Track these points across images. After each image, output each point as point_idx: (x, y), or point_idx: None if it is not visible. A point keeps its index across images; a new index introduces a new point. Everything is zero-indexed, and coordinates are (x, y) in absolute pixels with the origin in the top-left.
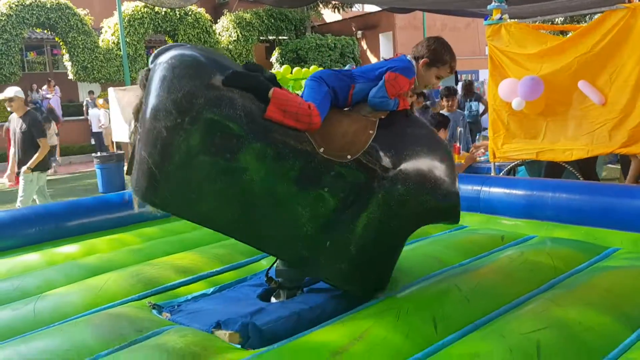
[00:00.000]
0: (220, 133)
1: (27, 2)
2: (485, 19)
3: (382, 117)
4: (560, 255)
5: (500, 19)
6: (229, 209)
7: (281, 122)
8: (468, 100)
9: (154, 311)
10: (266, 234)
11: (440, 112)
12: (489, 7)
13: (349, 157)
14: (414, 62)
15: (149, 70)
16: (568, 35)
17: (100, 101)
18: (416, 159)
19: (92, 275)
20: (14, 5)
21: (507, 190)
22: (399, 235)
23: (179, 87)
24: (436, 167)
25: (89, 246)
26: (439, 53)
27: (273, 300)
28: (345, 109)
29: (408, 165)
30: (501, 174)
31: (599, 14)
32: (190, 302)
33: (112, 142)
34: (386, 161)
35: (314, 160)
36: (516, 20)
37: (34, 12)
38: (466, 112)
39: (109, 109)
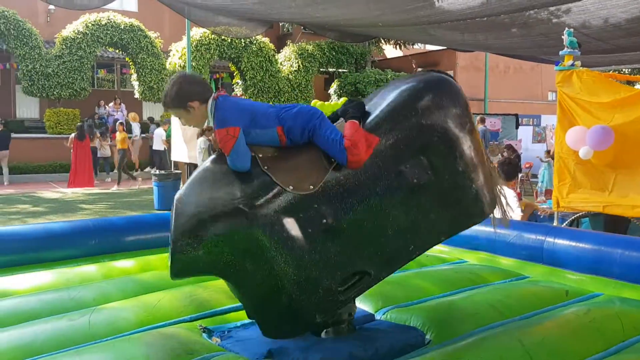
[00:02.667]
0: None
1: (103, 22)
2: (556, 64)
3: None
4: (630, 317)
5: (572, 65)
6: None
7: None
8: None
9: (204, 335)
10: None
11: None
12: (561, 52)
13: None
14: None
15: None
16: None
17: (132, 114)
18: None
19: (146, 292)
20: (90, 25)
21: (573, 243)
22: None
23: None
24: None
25: (144, 262)
26: None
27: (323, 335)
28: None
29: None
30: (564, 224)
31: None
32: (240, 329)
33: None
34: None
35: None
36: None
37: (108, 32)
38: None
39: (139, 122)
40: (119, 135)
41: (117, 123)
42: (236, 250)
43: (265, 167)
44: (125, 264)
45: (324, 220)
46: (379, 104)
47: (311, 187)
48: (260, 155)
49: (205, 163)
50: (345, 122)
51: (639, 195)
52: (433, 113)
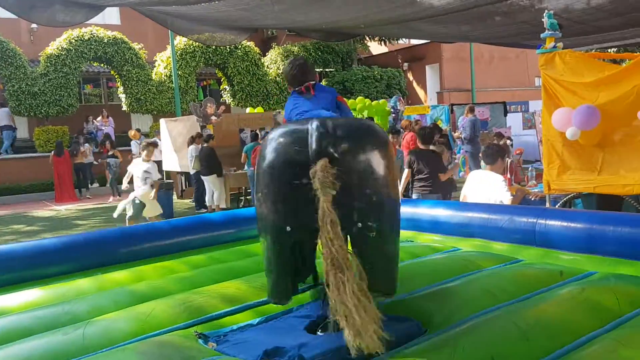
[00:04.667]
0: None
1: (86, 37)
2: (538, 47)
3: None
4: (626, 293)
5: (554, 47)
6: None
7: None
8: None
9: (200, 340)
10: None
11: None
12: (542, 35)
13: None
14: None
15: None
16: (626, 64)
17: (132, 132)
18: None
19: (140, 302)
20: (73, 40)
21: (565, 223)
22: None
23: None
24: None
25: (137, 273)
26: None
27: (320, 332)
28: None
29: None
30: (557, 206)
31: None
32: (236, 332)
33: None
34: None
35: None
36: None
37: (92, 47)
38: None
39: (139, 139)
40: None
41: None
42: None
43: None
44: (118, 275)
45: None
46: None
47: None
48: None
49: None
50: None
51: (629, 173)
52: None
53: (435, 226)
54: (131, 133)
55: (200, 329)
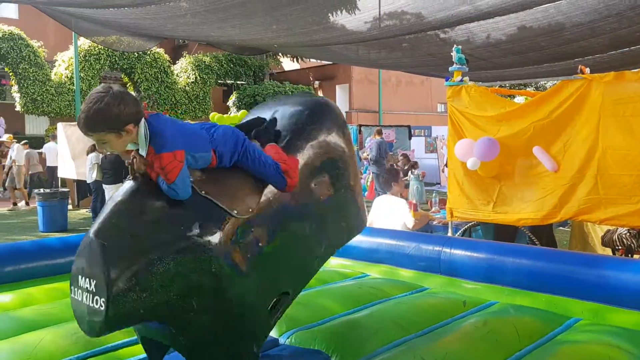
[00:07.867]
0: None
1: None
2: (447, 80)
3: None
4: (524, 326)
5: (461, 80)
6: None
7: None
8: None
9: None
10: None
11: None
12: (450, 68)
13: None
14: None
15: None
16: (525, 101)
17: (5, 137)
18: None
19: (26, 331)
20: None
21: (468, 253)
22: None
23: None
24: None
25: (25, 296)
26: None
27: None
28: None
29: None
30: (457, 234)
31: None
32: None
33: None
34: None
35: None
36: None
37: None
38: None
39: (14, 143)
40: None
41: None
42: (186, 287)
43: (203, 192)
44: (1, 299)
45: (260, 244)
46: (280, 125)
47: (250, 210)
48: (192, 179)
49: (123, 193)
50: (260, 143)
51: (523, 205)
52: (332, 134)
53: (345, 250)
54: (5, 137)
55: None
